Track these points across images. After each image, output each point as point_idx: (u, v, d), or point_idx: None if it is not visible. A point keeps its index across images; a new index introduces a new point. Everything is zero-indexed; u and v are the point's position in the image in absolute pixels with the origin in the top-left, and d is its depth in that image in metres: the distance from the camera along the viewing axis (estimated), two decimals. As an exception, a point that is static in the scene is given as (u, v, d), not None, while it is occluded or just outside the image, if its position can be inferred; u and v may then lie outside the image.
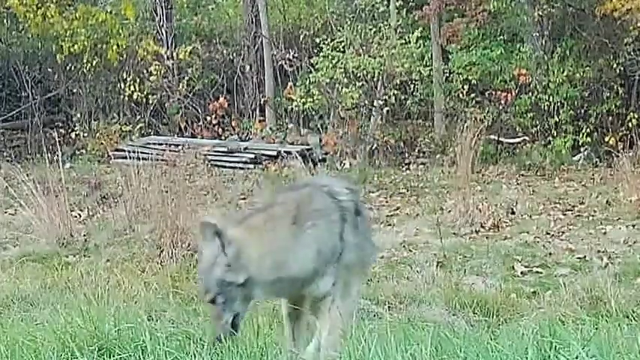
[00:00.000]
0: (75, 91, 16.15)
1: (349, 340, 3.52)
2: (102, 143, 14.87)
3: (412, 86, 14.61)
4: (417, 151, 14.27)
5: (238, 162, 13.68)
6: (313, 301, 3.63)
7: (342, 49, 14.34)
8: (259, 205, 3.85)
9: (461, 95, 14.36)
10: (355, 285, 3.90)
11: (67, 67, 15.86)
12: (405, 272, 7.57)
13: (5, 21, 15.77)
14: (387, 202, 11.33)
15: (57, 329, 3.84)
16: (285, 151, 13.41)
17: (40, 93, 16.36)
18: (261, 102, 15.93)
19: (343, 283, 3.74)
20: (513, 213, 10.12)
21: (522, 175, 13.00)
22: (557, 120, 14.00)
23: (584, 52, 14.38)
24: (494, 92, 14.29)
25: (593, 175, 12.80)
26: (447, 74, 14.57)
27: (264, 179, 12.58)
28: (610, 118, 14.08)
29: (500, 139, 14.17)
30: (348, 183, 4.05)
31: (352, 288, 3.84)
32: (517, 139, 14.20)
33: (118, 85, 15.64)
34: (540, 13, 14.16)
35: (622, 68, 14.05)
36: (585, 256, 8.31)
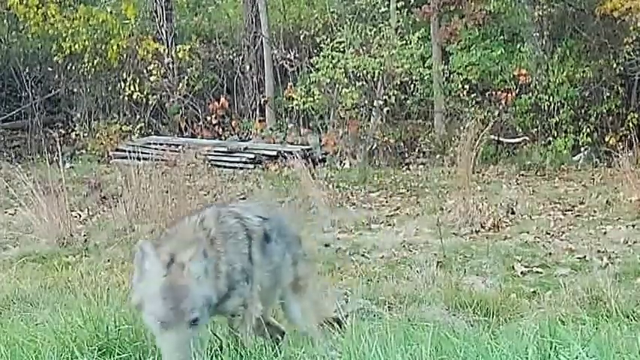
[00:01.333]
0: (75, 91, 16.15)
1: (349, 340, 3.51)
2: (102, 143, 14.88)
3: (412, 86, 14.62)
4: (417, 151, 14.28)
5: (238, 162, 13.68)
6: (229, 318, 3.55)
7: (342, 49, 14.35)
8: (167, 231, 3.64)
9: (461, 95, 14.37)
10: (301, 302, 3.91)
11: (67, 67, 15.86)
12: (405, 272, 7.56)
13: (5, 21, 15.77)
14: (387, 202, 11.33)
15: (57, 329, 3.84)
16: (285, 151, 13.41)
17: (40, 93, 16.36)
18: (261, 102, 15.93)
19: (287, 302, 3.84)
20: (513, 213, 10.11)
21: (522, 175, 13.00)
22: (558, 120, 14.01)
23: (584, 52, 14.38)
24: (494, 92, 14.30)
25: (593, 175, 12.80)
26: (447, 74, 14.58)
27: (264, 179, 12.59)
28: (610, 118, 14.08)
29: (500, 139, 14.17)
30: (263, 210, 3.91)
31: (299, 307, 3.87)
32: (517, 139, 14.20)
33: (118, 85, 15.64)
34: (540, 13, 14.17)
35: (622, 68, 14.06)
36: (585, 256, 8.30)
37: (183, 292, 3.16)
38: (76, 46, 15.04)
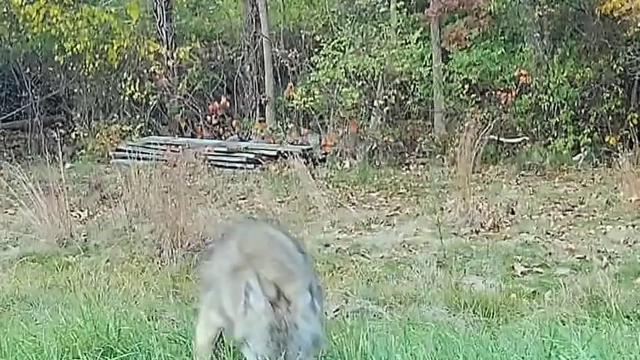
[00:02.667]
0: (75, 91, 16.15)
1: (350, 340, 3.52)
2: (102, 143, 14.89)
3: (412, 86, 14.63)
4: (417, 151, 14.28)
5: (238, 162, 13.68)
6: None
7: (342, 49, 14.36)
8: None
9: (461, 95, 14.38)
10: None
11: (68, 67, 15.87)
12: (405, 272, 7.56)
13: (5, 21, 15.77)
14: (387, 202, 11.33)
15: (57, 329, 3.84)
16: (285, 151, 13.41)
17: (40, 93, 16.36)
18: (261, 102, 15.93)
19: None
20: (513, 213, 10.11)
21: (522, 175, 13.00)
22: (558, 120, 14.01)
23: (584, 53, 14.38)
24: (494, 92, 14.31)
25: (593, 175, 12.81)
26: (447, 74, 14.58)
27: (264, 179, 12.59)
28: (610, 118, 14.08)
29: (501, 139, 14.17)
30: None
31: None
32: (517, 139, 14.20)
33: (119, 85, 15.65)
34: (540, 13, 14.17)
35: (622, 68, 14.06)
36: (585, 256, 8.30)
37: (290, 332, 2.96)
38: (78, 46, 15.05)
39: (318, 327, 3.04)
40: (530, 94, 14.14)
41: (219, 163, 13.46)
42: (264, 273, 3.05)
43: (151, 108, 15.85)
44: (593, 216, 10.21)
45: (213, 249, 3.57)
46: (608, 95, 14.13)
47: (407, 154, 14.35)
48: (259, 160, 13.76)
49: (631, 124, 13.77)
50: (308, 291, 3.02)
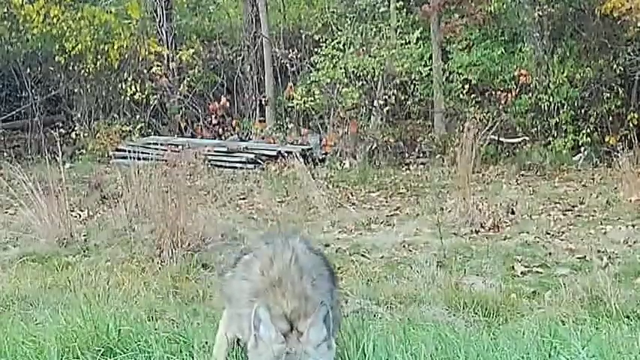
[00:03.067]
0: (75, 91, 16.15)
1: (350, 340, 3.51)
2: (102, 143, 14.89)
3: (412, 86, 14.63)
4: (417, 151, 14.28)
5: (238, 162, 13.68)
6: None
7: (342, 49, 14.36)
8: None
9: (461, 95, 14.38)
10: None
11: (68, 67, 15.87)
12: (405, 272, 7.56)
13: (6, 21, 15.77)
14: (387, 202, 11.33)
15: (57, 329, 3.84)
16: (285, 151, 13.41)
17: (40, 93, 16.36)
18: (261, 102, 15.93)
19: None
20: (513, 213, 10.11)
21: (522, 175, 13.00)
22: (558, 120, 14.02)
23: (584, 53, 14.38)
24: (494, 92, 14.31)
25: (593, 175, 12.81)
26: (447, 74, 14.58)
27: (264, 179, 12.59)
28: (610, 118, 14.08)
29: (501, 139, 14.17)
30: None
31: None
32: (517, 139, 14.21)
33: (119, 85, 15.65)
34: (540, 13, 14.17)
35: (622, 68, 14.06)
36: (585, 256, 8.30)
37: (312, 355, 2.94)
38: (79, 46, 15.05)
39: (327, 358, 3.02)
40: (530, 94, 14.14)
41: (219, 163, 13.47)
42: (282, 303, 3.05)
43: (151, 108, 15.85)
44: (593, 216, 10.21)
45: (236, 264, 3.45)
46: (608, 95, 14.13)
47: (407, 154, 14.35)
48: (259, 160, 13.76)
49: (631, 124, 13.77)
50: (323, 324, 3.00)
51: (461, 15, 14.52)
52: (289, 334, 2.98)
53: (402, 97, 14.52)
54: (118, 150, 14.06)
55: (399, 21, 14.83)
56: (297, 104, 14.58)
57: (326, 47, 14.46)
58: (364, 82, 14.14)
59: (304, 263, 3.25)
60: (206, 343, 3.68)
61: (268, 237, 3.64)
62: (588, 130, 13.86)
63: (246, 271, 3.30)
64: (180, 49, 16.01)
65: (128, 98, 15.57)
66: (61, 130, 15.52)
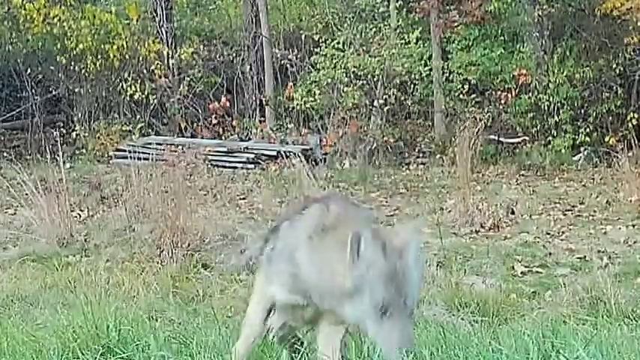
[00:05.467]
0: (75, 91, 16.15)
1: (351, 340, 3.51)
2: (102, 143, 14.89)
3: (412, 86, 14.62)
4: (417, 151, 14.28)
5: (238, 162, 13.68)
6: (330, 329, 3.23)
7: (342, 49, 14.36)
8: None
9: (461, 95, 14.38)
10: None
11: (68, 67, 15.87)
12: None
13: (6, 21, 15.78)
14: (387, 202, 11.33)
15: (57, 329, 3.84)
16: (285, 151, 13.41)
17: (40, 93, 16.36)
18: (262, 102, 15.93)
19: None
20: (513, 213, 10.11)
21: (522, 175, 13.00)
22: (557, 120, 14.01)
23: (584, 52, 14.38)
24: (494, 92, 14.31)
25: (593, 175, 12.81)
26: (447, 74, 14.58)
27: (264, 179, 12.59)
28: (610, 118, 14.08)
29: (500, 139, 14.18)
30: None
31: None
32: (517, 139, 14.21)
33: (119, 85, 15.65)
34: (540, 13, 14.16)
35: (622, 68, 14.06)
36: (585, 256, 8.31)
37: (406, 275, 2.91)
38: (80, 46, 15.06)
39: (422, 274, 3.03)
40: (530, 94, 14.14)
41: (219, 163, 13.46)
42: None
43: (151, 108, 15.84)
44: (593, 216, 10.21)
45: (279, 226, 3.30)
46: (607, 95, 14.12)
47: (407, 154, 14.35)
48: (259, 160, 13.75)
49: (631, 124, 13.76)
50: (416, 235, 3.01)
51: (460, 13, 14.51)
52: (387, 251, 2.93)
53: (402, 97, 14.51)
54: (118, 150, 14.07)
55: (398, 21, 14.83)
56: (297, 104, 14.57)
57: (326, 47, 14.46)
58: (364, 82, 14.14)
59: (360, 209, 3.27)
60: (206, 343, 3.68)
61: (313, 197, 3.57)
62: (588, 130, 13.86)
63: (304, 219, 3.17)
64: (180, 49, 16.00)
65: (128, 98, 15.56)
66: (61, 130, 15.53)
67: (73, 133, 15.41)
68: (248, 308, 3.36)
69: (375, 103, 14.18)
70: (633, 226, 9.56)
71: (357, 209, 3.26)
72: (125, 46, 15.45)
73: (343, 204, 3.23)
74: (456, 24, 14.33)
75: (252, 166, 13.61)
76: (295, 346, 3.47)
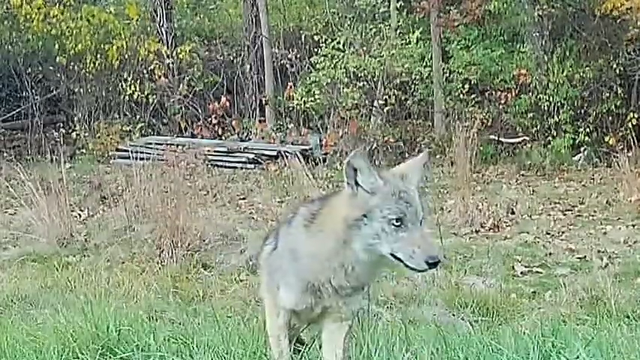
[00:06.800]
0: (75, 91, 16.15)
1: (351, 340, 3.51)
2: (102, 143, 14.89)
3: (412, 86, 14.62)
4: (417, 151, 14.26)
5: (238, 162, 13.68)
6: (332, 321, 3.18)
7: (342, 49, 14.35)
8: None
9: (461, 95, 14.37)
10: None
11: (68, 67, 15.87)
12: (405, 272, 7.56)
13: (6, 21, 15.77)
14: (387, 202, 11.30)
15: (57, 329, 3.84)
16: (285, 151, 13.40)
17: (40, 93, 16.36)
18: (262, 102, 15.93)
19: None
20: (513, 213, 10.12)
21: (522, 175, 13.00)
22: (557, 120, 14.00)
23: (584, 52, 14.37)
24: (494, 92, 14.30)
25: (593, 175, 12.80)
26: (447, 74, 14.58)
27: (264, 179, 12.58)
28: (610, 118, 14.08)
29: (500, 139, 14.17)
30: None
31: None
32: (517, 139, 14.20)
33: (119, 86, 15.65)
34: (540, 13, 14.16)
35: (622, 68, 14.05)
36: (585, 256, 8.31)
37: (411, 195, 2.97)
38: (80, 45, 15.06)
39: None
40: (530, 94, 14.14)
41: (219, 163, 13.46)
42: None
43: (151, 108, 15.84)
44: (593, 216, 10.21)
45: (273, 233, 3.33)
46: (607, 95, 14.12)
47: (407, 154, 14.34)
48: (259, 160, 13.75)
49: (630, 124, 13.75)
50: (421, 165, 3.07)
51: (460, 13, 14.50)
52: (390, 178, 2.99)
53: (402, 97, 14.51)
54: (118, 150, 14.07)
55: (399, 21, 14.82)
56: (297, 104, 14.57)
57: (326, 47, 14.46)
58: (364, 82, 14.13)
59: None
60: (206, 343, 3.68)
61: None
62: (588, 130, 13.85)
63: (293, 220, 3.19)
64: (180, 49, 16.00)
65: (128, 98, 15.56)
66: (61, 130, 15.53)
67: (73, 133, 15.41)
68: (266, 326, 3.34)
69: (375, 103, 14.18)
70: (633, 226, 9.56)
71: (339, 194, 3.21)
72: (125, 46, 15.45)
73: (327, 196, 3.27)
74: (456, 24, 14.33)
75: (252, 166, 13.61)
76: (295, 346, 3.48)
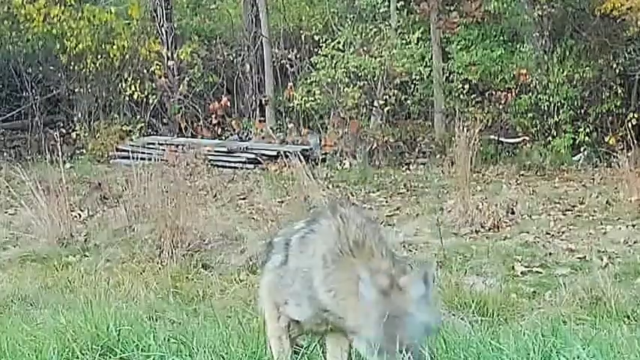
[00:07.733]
0: (75, 90, 16.15)
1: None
2: (102, 143, 14.89)
3: (412, 86, 14.62)
4: (417, 151, 14.28)
5: (238, 162, 13.68)
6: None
7: (342, 49, 14.36)
8: None
9: (461, 95, 14.37)
10: None
11: (68, 67, 15.87)
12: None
13: (6, 21, 15.77)
14: (387, 202, 11.33)
15: (57, 329, 3.84)
16: (285, 151, 13.40)
17: (40, 93, 16.35)
18: (261, 102, 15.93)
19: None
20: (513, 213, 10.11)
21: (522, 175, 13.00)
22: (557, 120, 14.00)
23: (584, 52, 14.37)
24: (494, 92, 14.30)
25: (593, 175, 12.80)
26: (447, 74, 14.58)
27: (264, 179, 12.58)
28: (610, 118, 14.07)
29: (500, 139, 14.17)
30: None
31: None
32: (517, 139, 14.20)
33: (119, 85, 15.65)
34: (540, 13, 14.16)
35: (622, 68, 14.04)
36: (585, 256, 8.31)
37: (403, 319, 2.95)
38: (80, 45, 15.06)
39: (431, 316, 3.05)
40: (530, 94, 14.13)
41: (219, 163, 13.46)
42: (376, 262, 3.04)
43: (151, 108, 15.84)
44: (593, 216, 10.21)
45: (290, 239, 3.27)
46: (607, 95, 14.11)
47: (407, 154, 14.35)
48: (259, 160, 13.75)
49: (630, 124, 13.75)
50: (422, 281, 3.02)
51: (460, 14, 14.50)
52: (390, 292, 2.98)
53: (402, 97, 14.51)
54: (118, 150, 14.08)
55: (399, 21, 14.83)
56: (297, 104, 14.57)
57: (326, 47, 14.46)
58: (364, 82, 14.13)
59: (377, 226, 3.28)
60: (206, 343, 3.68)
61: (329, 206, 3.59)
62: (588, 130, 13.85)
63: (322, 236, 3.16)
64: (180, 49, 16.00)
65: (128, 98, 15.56)
66: (61, 130, 15.53)
67: (73, 133, 15.41)
68: (267, 327, 3.37)
69: (375, 103, 14.18)
70: (633, 226, 9.56)
71: (371, 227, 3.21)
72: (125, 46, 15.45)
73: (357, 221, 3.18)
74: (456, 24, 14.33)
75: (252, 166, 13.61)
76: (296, 346, 3.48)
